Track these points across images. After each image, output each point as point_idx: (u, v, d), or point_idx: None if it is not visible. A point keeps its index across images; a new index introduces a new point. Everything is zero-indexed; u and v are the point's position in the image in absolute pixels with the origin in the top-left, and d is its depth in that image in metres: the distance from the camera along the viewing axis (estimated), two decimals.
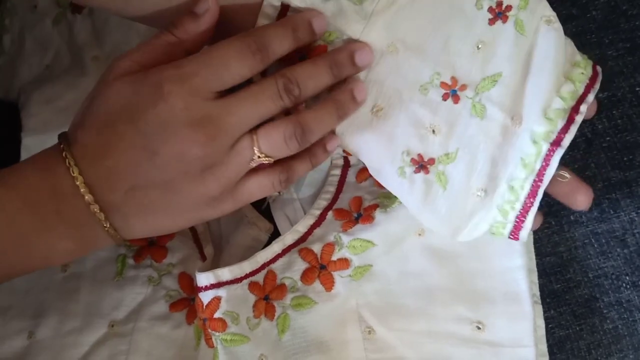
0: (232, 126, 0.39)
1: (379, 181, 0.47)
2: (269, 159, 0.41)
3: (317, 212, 0.51)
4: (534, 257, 0.49)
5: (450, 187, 0.44)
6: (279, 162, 0.43)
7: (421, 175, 0.44)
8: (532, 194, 0.42)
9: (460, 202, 0.44)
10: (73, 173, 0.38)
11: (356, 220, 0.50)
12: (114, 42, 0.60)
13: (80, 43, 0.60)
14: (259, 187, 0.43)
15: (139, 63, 0.40)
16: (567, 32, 0.44)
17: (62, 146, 0.39)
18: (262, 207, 0.53)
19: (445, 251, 0.48)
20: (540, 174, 0.42)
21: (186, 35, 0.41)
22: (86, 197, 0.38)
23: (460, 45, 0.43)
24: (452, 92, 0.43)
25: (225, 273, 0.47)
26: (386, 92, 0.44)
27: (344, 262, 0.48)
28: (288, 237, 0.49)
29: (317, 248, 0.48)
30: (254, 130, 0.41)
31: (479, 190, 0.43)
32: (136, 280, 0.50)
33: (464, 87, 0.43)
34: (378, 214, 0.49)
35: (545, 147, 0.41)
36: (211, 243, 0.52)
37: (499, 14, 0.43)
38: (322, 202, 0.51)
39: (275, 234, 0.53)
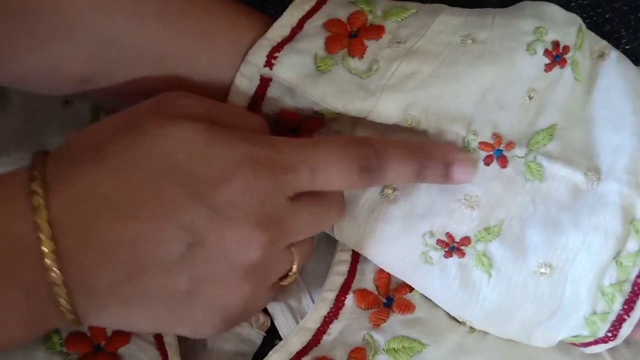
0: (294, 233, 0.31)
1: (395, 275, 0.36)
2: (295, 276, 0.33)
3: (331, 296, 0.36)
4: None
5: (496, 271, 0.33)
6: None
7: (454, 259, 0.34)
8: None
9: (516, 292, 0.33)
10: (41, 233, 0.26)
11: (388, 308, 0.35)
12: None
13: None
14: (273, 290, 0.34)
15: (210, 116, 0.30)
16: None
17: (33, 175, 0.28)
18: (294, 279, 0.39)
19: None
20: None
21: None
22: (52, 272, 0.26)
23: (504, 96, 0.35)
24: (496, 154, 0.34)
25: None
26: None
27: None
28: (294, 341, 0.35)
29: (339, 355, 0.34)
30: None
31: (541, 267, 0.33)
32: None
33: (511, 144, 0.34)
34: (418, 297, 0.36)
35: None
36: (178, 350, 0.37)
37: (556, 57, 0.35)
38: (337, 279, 0.37)
39: (273, 331, 0.38)
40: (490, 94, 0.34)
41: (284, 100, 0.35)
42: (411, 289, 0.36)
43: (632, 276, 0.32)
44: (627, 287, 0.32)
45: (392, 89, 0.33)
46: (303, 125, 0.36)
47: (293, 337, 0.35)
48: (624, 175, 0.33)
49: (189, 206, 0.27)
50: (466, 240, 0.34)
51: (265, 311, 0.38)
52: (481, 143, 0.34)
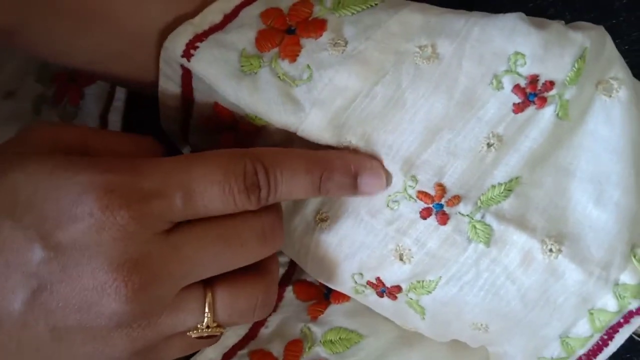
0: (176, 277, 0.26)
1: None
2: (220, 330, 0.28)
3: None
4: None
5: (430, 317, 0.31)
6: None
7: (387, 300, 0.31)
8: (594, 352, 0.29)
9: (452, 332, 0.32)
10: None
11: (327, 300, 0.35)
12: (13, 69, 0.45)
13: None
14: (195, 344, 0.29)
15: (81, 146, 0.27)
16: None
17: None
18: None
19: None
20: (613, 332, 0.29)
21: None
22: None
23: (456, 139, 0.28)
24: (435, 207, 0.28)
25: None
26: (335, 199, 0.30)
27: None
28: (229, 334, 0.34)
29: (276, 349, 0.33)
30: (209, 284, 0.27)
31: (474, 326, 0.30)
32: None
33: (455, 199, 0.28)
34: None
35: (634, 304, 0.28)
36: None
37: (531, 96, 0.28)
38: None
39: None
40: (439, 134, 0.28)
41: (213, 95, 0.31)
42: None
43: (577, 354, 0.29)
44: None
45: (322, 105, 0.29)
46: (239, 125, 0.31)
47: (229, 331, 0.34)
48: (596, 269, 0.28)
49: (30, 250, 0.24)
50: (397, 289, 0.30)
51: None
52: (420, 192, 0.29)
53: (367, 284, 0.31)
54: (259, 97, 0.29)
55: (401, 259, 0.29)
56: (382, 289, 0.31)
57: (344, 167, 0.28)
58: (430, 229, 0.29)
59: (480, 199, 0.28)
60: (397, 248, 0.29)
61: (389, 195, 0.29)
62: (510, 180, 0.28)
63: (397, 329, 0.34)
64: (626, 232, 0.28)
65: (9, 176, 0.25)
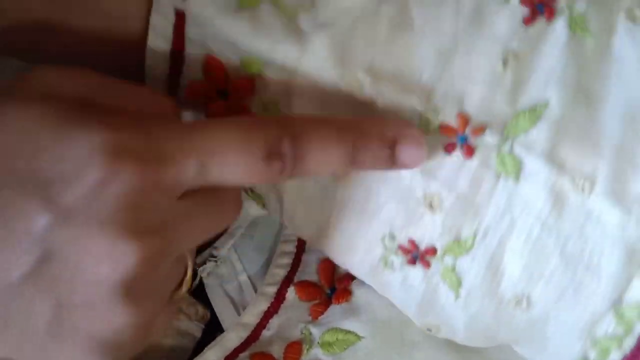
0: (186, 241, 0.24)
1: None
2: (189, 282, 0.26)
3: (272, 290, 0.35)
4: None
5: (466, 292, 0.28)
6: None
7: (419, 269, 0.28)
8: None
9: (488, 318, 0.28)
10: None
11: (329, 299, 0.35)
12: None
13: None
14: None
15: (89, 96, 0.23)
16: None
17: None
18: (192, 286, 0.37)
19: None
20: None
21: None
22: None
23: (473, 60, 0.26)
24: (460, 140, 0.26)
25: None
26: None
27: None
28: (231, 336, 0.34)
29: (277, 351, 0.33)
30: None
31: (515, 299, 0.27)
32: None
33: (480, 129, 0.26)
34: (357, 287, 0.35)
35: None
36: None
37: (539, 6, 0.26)
38: (279, 272, 0.36)
39: (213, 323, 0.37)
40: (452, 56, 0.26)
41: (207, 44, 0.27)
42: (354, 277, 0.35)
43: (637, 330, 0.26)
44: (630, 342, 0.26)
45: (325, 28, 0.26)
46: (232, 85, 0.28)
47: (230, 333, 0.34)
48: (635, 206, 0.25)
49: (35, 214, 0.21)
50: (431, 251, 0.28)
51: (206, 303, 0.38)
52: (443, 125, 0.26)
53: (398, 248, 0.28)
54: (257, 32, 0.26)
55: (431, 207, 0.27)
56: (415, 254, 0.28)
57: (380, 135, 0.25)
58: (457, 165, 0.26)
59: (506, 128, 0.26)
60: (426, 195, 0.27)
61: None
62: (536, 106, 0.26)
63: (398, 329, 0.33)
64: None
65: (3, 133, 0.21)
